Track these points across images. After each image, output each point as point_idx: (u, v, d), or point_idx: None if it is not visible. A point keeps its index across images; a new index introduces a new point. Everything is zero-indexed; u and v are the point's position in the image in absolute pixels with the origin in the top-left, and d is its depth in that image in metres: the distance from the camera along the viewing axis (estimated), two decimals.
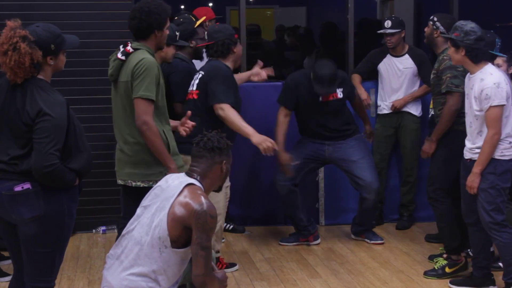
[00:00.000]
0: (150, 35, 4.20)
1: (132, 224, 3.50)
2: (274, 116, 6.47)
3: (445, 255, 5.24)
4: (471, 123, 4.67)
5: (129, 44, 4.19)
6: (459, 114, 5.03)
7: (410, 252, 5.82)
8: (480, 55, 4.59)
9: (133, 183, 4.22)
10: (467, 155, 4.73)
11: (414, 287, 5.06)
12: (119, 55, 4.19)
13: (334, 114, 5.88)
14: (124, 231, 3.54)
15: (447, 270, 5.14)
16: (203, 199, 3.35)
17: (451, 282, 5.02)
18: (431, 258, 5.54)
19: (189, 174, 3.51)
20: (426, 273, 5.20)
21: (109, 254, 3.55)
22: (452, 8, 6.92)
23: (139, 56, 4.11)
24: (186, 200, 3.35)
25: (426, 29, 5.39)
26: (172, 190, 3.42)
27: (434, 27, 5.28)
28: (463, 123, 4.99)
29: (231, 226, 6.41)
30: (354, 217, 6.20)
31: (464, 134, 4.94)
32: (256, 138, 4.92)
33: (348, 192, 6.52)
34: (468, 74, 4.71)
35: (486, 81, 4.52)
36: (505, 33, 7.49)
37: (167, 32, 4.31)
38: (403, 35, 6.33)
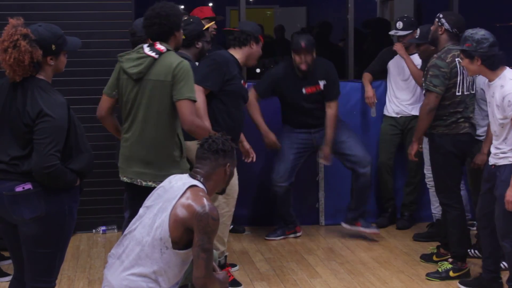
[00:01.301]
0: (170, 37, 4.22)
1: (134, 224, 3.50)
2: (273, 116, 6.49)
3: (450, 259, 5.20)
4: (496, 131, 4.55)
5: (158, 43, 4.17)
6: (443, 117, 5.01)
7: (410, 252, 5.82)
8: (497, 61, 4.49)
9: (143, 183, 4.18)
10: (491, 161, 4.61)
11: (414, 287, 5.06)
12: (150, 53, 4.14)
13: (319, 104, 6.02)
14: (126, 231, 3.54)
15: (451, 274, 5.10)
16: (205, 201, 3.35)
17: (460, 283, 5.00)
18: (424, 258, 5.55)
19: (193, 175, 3.51)
20: (428, 275, 5.18)
21: (110, 254, 3.55)
22: (451, 8, 6.92)
23: (176, 58, 4.14)
24: (188, 202, 3.35)
25: (432, 27, 5.32)
26: (175, 191, 3.42)
27: (439, 23, 5.18)
28: (448, 126, 5.01)
29: (231, 227, 6.40)
30: (348, 204, 6.21)
31: (456, 136, 4.93)
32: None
33: (348, 192, 6.52)
34: (487, 81, 4.61)
35: (506, 87, 4.40)
36: (505, 33, 7.51)
37: (182, 32, 4.34)
38: (415, 35, 6.30)
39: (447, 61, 4.98)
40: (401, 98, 6.38)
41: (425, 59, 5.75)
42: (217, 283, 3.41)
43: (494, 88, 4.50)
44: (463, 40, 4.57)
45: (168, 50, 4.17)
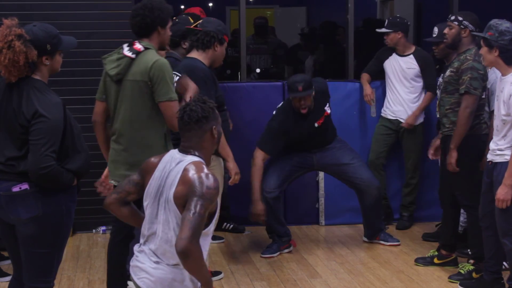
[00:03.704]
0: (153, 32, 4.16)
1: (152, 223, 3.34)
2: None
3: (472, 261, 5.14)
4: (497, 126, 4.53)
5: (137, 43, 4.13)
6: (474, 118, 4.98)
7: (410, 252, 5.81)
8: None
9: None
10: (488, 157, 4.60)
11: (414, 287, 5.06)
12: (128, 53, 4.11)
13: (325, 130, 5.86)
14: (147, 232, 3.37)
15: (474, 275, 5.02)
16: (203, 172, 3.18)
17: (461, 285, 5.00)
18: (419, 261, 5.49)
19: (184, 151, 3.32)
20: (451, 277, 5.11)
21: (137, 248, 3.37)
22: (452, 8, 6.92)
23: (152, 57, 4.07)
24: (187, 177, 3.23)
25: (447, 31, 5.19)
26: (172, 176, 3.29)
27: (462, 26, 5.11)
28: (473, 127, 4.97)
29: (231, 226, 6.41)
30: (362, 221, 6.13)
31: (480, 137, 4.91)
32: (233, 164, 4.80)
33: (348, 192, 6.50)
34: (500, 75, 4.59)
35: None
36: None
37: (169, 32, 4.26)
38: (399, 36, 6.28)
39: (483, 63, 4.90)
40: (395, 99, 6.37)
41: (442, 58, 5.74)
42: (201, 255, 3.14)
43: (504, 83, 4.48)
44: (487, 28, 4.53)
45: (146, 48, 4.12)
